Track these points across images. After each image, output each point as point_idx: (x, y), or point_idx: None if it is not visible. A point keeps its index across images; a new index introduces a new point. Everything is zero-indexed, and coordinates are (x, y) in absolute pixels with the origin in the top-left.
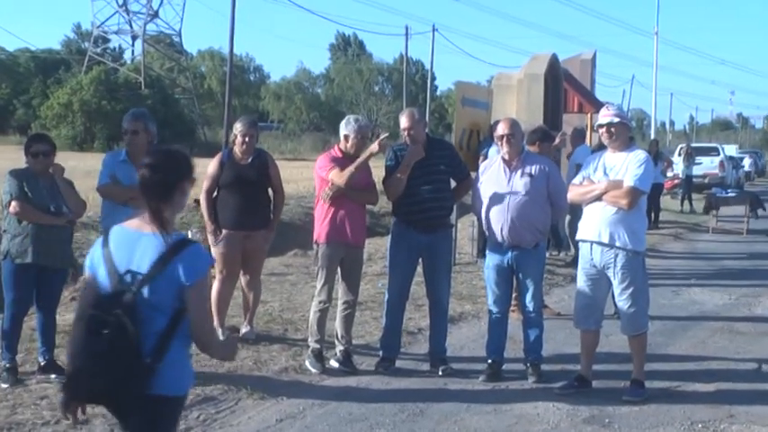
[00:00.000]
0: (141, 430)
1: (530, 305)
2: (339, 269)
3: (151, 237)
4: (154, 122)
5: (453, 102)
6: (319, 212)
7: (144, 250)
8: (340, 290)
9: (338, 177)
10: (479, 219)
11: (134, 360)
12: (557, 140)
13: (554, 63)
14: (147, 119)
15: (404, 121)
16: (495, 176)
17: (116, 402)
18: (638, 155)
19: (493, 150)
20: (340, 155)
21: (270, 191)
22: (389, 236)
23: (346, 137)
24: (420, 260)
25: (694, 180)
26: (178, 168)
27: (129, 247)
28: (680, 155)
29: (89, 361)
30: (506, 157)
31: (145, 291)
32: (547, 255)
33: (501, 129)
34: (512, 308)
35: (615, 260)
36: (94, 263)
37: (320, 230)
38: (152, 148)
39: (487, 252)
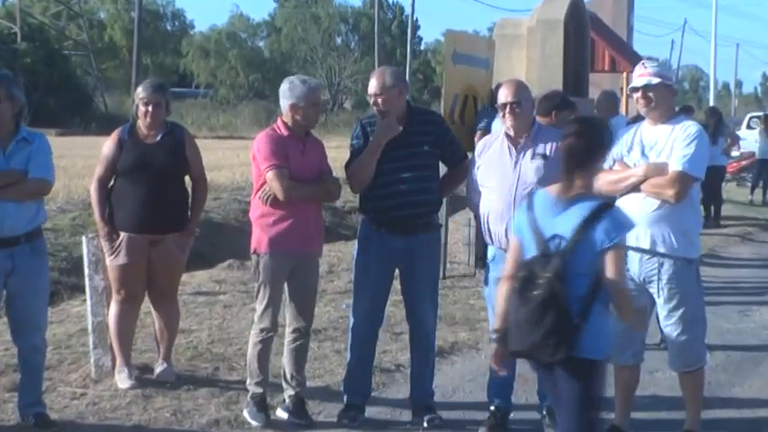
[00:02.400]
0: (568, 390)
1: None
2: (287, 286)
3: (574, 202)
4: (20, 88)
5: (442, 58)
6: (259, 211)
7: (567, 215)
8: (288, 314)
9: (295, 191)
10: (477, 216)
11: (563, 321)
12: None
13: (577, 4)
14: (8, 83)
15: (372, 86)
16: (498, 159)
17: (541, 360)
18: (688, 128)
19: (496, 124)
20: (286, 133)
21: (187, 179)
22: (356, 241)
23: (293, 106)
24: (397, 273)
25: None
26: (601, 136)
27: (552, 212)
28: (750, 127)
29: (522, 319)
30: (511, 132)
31: (570, 255)
32: None
33: (504, 95)
34: None
35: (660, 271)
36: (520, 227)
37: (260, 236)
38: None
39: (489, 261)
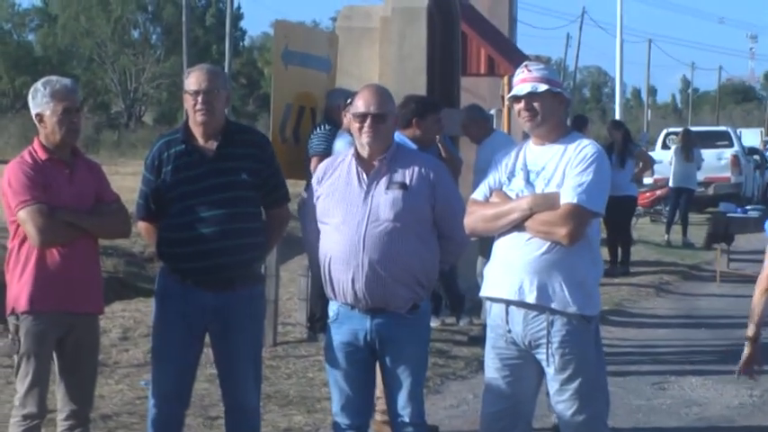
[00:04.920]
0: None
1: (405, 413)
2: (56, 358)
3: None
4: None
5: (271, 57)
6: (16, 258)
7: None
8: (59, 395)
9: (55, 232)
10: (314, 263)
11: None
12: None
13: None
14: None
15: (192, 83)
16: (344, 188)
17: None
18: (584, 148)
19: (339, 143)
20: (44, 157)
21: None
22: (154, 297)
23: (40, 116)
24: (208, 339)
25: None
26: None
27: None
28: (667, 147)
29: None
30: (365, 152)
31: None
32: (435, 324)
33: (364, 103)
34: (377, 418)
35: (549, 332)
36: None
37: (19, 291)
38: None
39: (330, 321)
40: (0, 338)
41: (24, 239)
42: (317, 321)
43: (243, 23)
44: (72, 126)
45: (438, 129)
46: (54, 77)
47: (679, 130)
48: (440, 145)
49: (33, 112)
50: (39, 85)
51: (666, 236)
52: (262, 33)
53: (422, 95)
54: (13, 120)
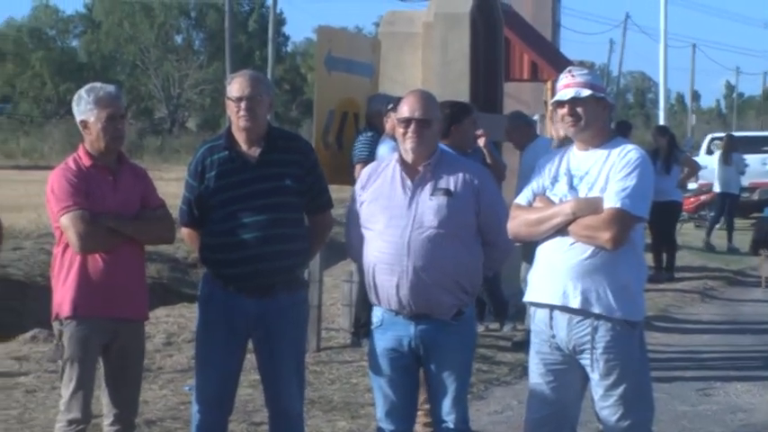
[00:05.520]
0: None
1: (449, 419)
2: (103, 363)
3: None
4: None
5: (314, 63)
6: (60, 264)
7: None
8: (104, 401)
9: (96, 239)
10: (360, 269)
11: None
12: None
13: None
14: None
15: (235, 89)
16: (388, 194)
17: None
18: (628, 153)
19: (383, 148)
20: (88, 163)
21: None
22: (198, 303)
23: (84, 123)
24: (251, 344)
25: (735, 194)
26: None
27: None
28: (711, 152)
29: None
30: (410, 158)
31: None
32: (480, 330)
33: (409, 108)
34: (420, 423)
35: (593, 338)
36: None
37: (63, 296)
38: None
39: (374, 327)
40: (45, 344)
41: (68, 245)
42: (362, 327)
43: (286, 29)
44: (116, 133)
45: (475, 129)
46: (98, 84)
47: (723, 135)
48: (485, 150)
49: (78, 118)
50: (83, 92)
51: (706, 239)
52: (305, 39)
53: (453, 100)
54: (58, 125)
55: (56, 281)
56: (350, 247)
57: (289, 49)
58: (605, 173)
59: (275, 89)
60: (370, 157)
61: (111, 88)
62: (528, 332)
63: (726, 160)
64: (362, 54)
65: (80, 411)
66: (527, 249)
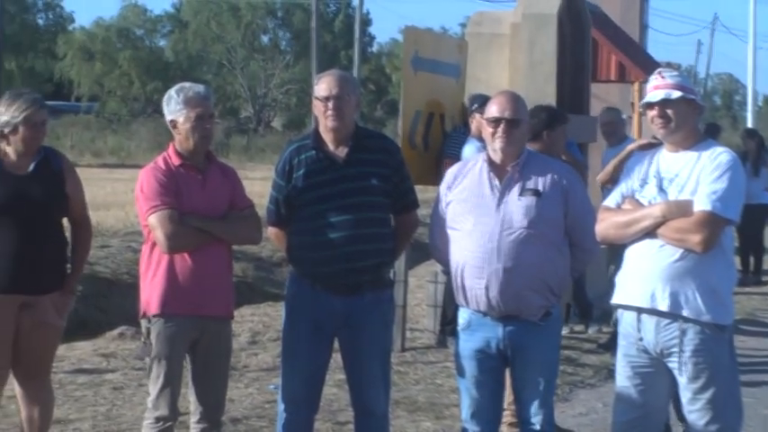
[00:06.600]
0: None
1: (536, 420)
2: (190, 361)
3: None
4: None
5: (400, 64)
6: (148, 262)
7: None
8: (192, 398)
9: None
10: (446, 270)
11: None
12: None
13: None
14: None
15: (323, 88)
16: (476, 194)
17: None
18: (719, 156)
19: (468, 149)
20: (177, 162)
21: (65, 222)
22: (284, 302)
23: (174, 123)
24: (337, 343)
25: None
26: None
27: None
28: None
29: None
30: (498, 158)
31: None
32: (565, 332)
33: (499, 108)
34: (505, 423)
35: (682, 341)
36: None
37: (150, 294)
38: None
39: (461, 328)
40: (132, 341)
41: (156, 243)
42: (448, 325)
43: (371, 29)
44: (205, 132)
45: (565, 139)
46: (188, 84)
47: None
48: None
49: (167, 118)
50: (172, 91)
51: None
52: (390, 39)
53: (550, 105)
54: (144, 124)
55: (144, 279)
56: (434, 248)
57: (374, 49)
58: (696, 175)
59: (361, 89)
60: (457, 154)
61: (200, 88)
62: (614, 334)
63: None
64: (449, 55)
65: (167, 408)
66: (614, 251)
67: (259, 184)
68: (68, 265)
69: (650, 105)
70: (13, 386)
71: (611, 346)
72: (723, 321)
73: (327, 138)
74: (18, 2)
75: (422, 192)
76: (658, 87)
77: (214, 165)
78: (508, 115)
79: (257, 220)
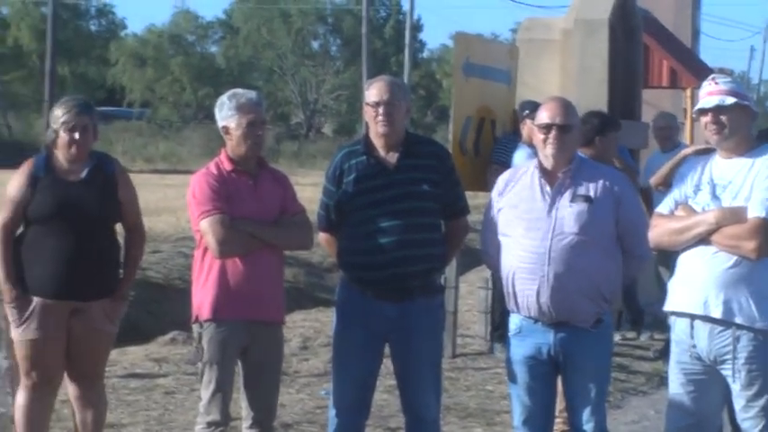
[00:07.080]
0: None
1: (588, 427)
2: (241, 366)
3: None
4: None
5: (451, 70)
6: (200, 267)
7: None
8: (244, 404)
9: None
10: (496, 276)
11: None
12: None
13: (627, 0)
14: None
15: (374, 94)
16: (528, 200)
17: None
18: None
19: (519, 155)
20: (229, 168)
21: (118, 228)
22: (335, 307)
23: (226, 129)
24: (388, 349)
25: None
26: None
27: None
28: None
29: None
30: (550, 164)
31: None
32: (616, 339)
33: (549, 114)
34: (557, 429)
35: (735, 348)
36: None
37: (202, 299)
38: None
39: (512, 335)
40: (184, 346)
41: (208, 248)
42: (495, 331)
43: (422, 35)
44: (257, 139)
45: (612, 153)
46: (240, 90)
47: None
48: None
49: (219, 124)
50: (225, 98)
51: None
52: (440, 45)
53: (603, 111)
54: (196, 130)
55: (195, 284)
56: (485, 254)
57: (424, 55)
58: (749, 182)
59: (411, 95)
60: (507, 161)
61: (252, 95)
62: (669, 341)
63: None
64: (500, 61)
65: (219, 413)
66: (666, 258)
67: (310, 189)
68: (121, 271)
69: (704, 111)
70: (67, 390)
71: (666, 352)
72: None
73: (378, 143)
74: (71, 8)
75: (472, 198)
76: (712, 93)
77: (265, 170)
78: (559, 121)
79: (308, 225)
